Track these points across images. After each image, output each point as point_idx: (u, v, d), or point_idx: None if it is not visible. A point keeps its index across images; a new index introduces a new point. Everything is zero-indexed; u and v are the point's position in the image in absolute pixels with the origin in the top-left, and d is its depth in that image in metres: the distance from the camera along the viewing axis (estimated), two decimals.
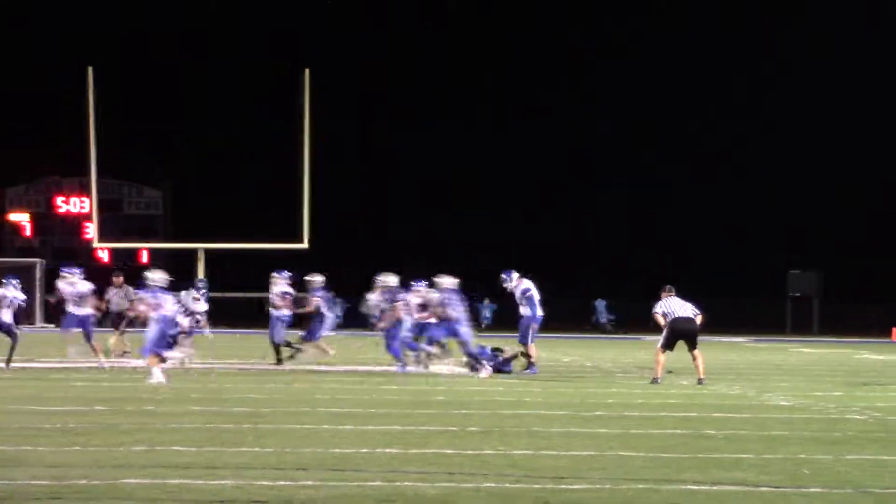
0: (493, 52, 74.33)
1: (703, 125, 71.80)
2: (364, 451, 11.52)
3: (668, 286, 21.43)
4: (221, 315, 39.95)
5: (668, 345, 20.92)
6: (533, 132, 72.87)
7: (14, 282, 23.44)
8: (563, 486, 9.75)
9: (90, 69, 42.44)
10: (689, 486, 9.81)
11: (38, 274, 48.83)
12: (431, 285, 24.12)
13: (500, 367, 23.34)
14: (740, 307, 60.87)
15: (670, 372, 22.55)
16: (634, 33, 74.00)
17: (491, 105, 73.75)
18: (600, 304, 57.34)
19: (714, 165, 71.23)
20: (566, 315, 53.82)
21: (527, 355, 23.43)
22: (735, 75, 71.68)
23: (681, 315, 20.83)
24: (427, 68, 73.26)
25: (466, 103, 73.51)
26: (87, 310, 23.56)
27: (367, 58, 73.23)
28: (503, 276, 23.76)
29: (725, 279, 65.14)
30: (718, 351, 35.15)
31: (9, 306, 23.03)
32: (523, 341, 23.44)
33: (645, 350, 32.41)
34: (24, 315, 23.98)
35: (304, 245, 42.77)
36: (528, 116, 73.04)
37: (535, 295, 23.37)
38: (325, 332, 25.49)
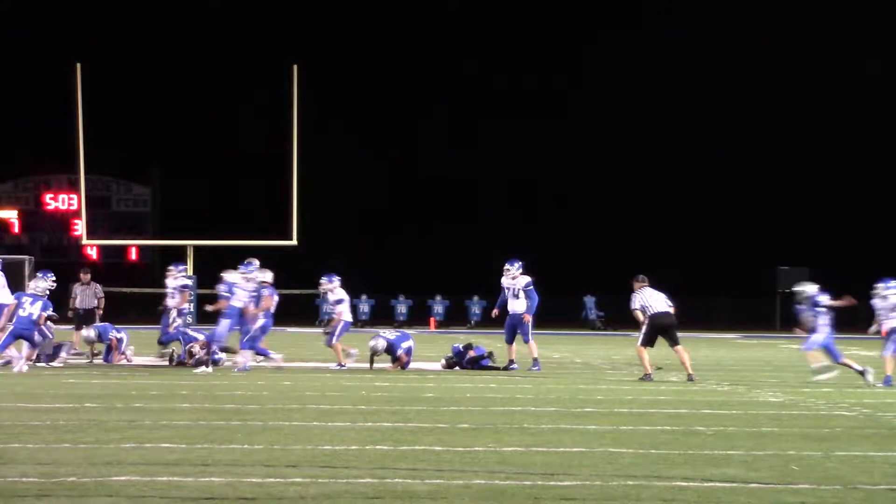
0: (486, 50, 74.39)
1: (691, 122, 71.86)
2: (354, 447, 11.52)
3: (641, 276, 21.15)
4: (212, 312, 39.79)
5: (649, 341, 20.90)
6: (521, 130, 72.84)
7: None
8: (554, 483, 9.75)
9: (78, 66, 42.36)
10: (678, 483, 9.82)
11: (26, 271, 48.81)
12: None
13: (481, 364, 23.32)
14: (729, 304, 60.94)
15: (660, 368, 22.59)
16: (622, 34, 74.00)
17: (479, 104, 73.68)
18: (590, 301, 57.32)
19: (703, 162, 71.28)
20: (556, 312, 53.78)
21: (491, 355, 23.45)
22: (720, 74, 71.70)
23: (658, 310, 20.79)
24: (418, 66, 73.24)
25: (458, 102, 73.49)
26: None
27: (359, 54, 73.22)
28: (508, 265, 23.49)
29: (714, 276, 65.20)
30: (708, 348, 35.18)
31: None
32: (510, 341, 23.34)
33: (634, 347, 32.38)
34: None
35: (294, 242, 42.75)
36: (518, 115, 73.00)
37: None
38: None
